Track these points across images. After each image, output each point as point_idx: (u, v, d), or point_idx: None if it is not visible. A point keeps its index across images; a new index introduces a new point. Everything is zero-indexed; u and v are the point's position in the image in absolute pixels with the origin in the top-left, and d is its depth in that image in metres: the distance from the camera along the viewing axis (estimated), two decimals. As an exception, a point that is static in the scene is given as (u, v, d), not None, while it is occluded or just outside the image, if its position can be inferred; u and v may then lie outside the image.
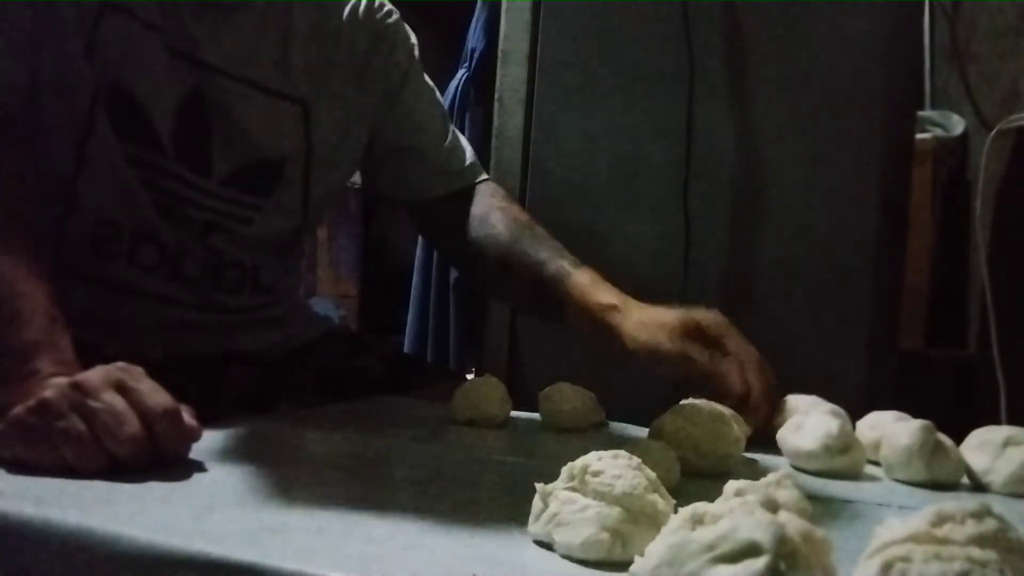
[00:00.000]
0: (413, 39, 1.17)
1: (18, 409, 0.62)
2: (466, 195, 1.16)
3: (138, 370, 0.65)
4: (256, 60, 1.00)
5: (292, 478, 0.67)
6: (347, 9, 1.09)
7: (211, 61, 0.96)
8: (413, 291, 1.98)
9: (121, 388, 0.62)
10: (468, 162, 1.19)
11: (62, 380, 0.64)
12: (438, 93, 1.21)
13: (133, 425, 0.61)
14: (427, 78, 1.19)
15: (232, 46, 0.98)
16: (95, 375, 0.63)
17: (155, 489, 0.59)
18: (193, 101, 0.96)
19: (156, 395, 0.64)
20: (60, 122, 0.91)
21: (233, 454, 0.74)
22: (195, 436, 0.65)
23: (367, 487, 0.66)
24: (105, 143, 0.92)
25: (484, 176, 1.21)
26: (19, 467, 0.60)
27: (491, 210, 1.13)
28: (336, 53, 1.06)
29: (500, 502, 0.63)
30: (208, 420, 0.85)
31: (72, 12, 0.89)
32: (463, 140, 1.21)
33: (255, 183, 1.02)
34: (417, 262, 1.99)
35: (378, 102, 1.11)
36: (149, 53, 0.93)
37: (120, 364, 0.65)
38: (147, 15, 0.92)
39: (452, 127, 1.20)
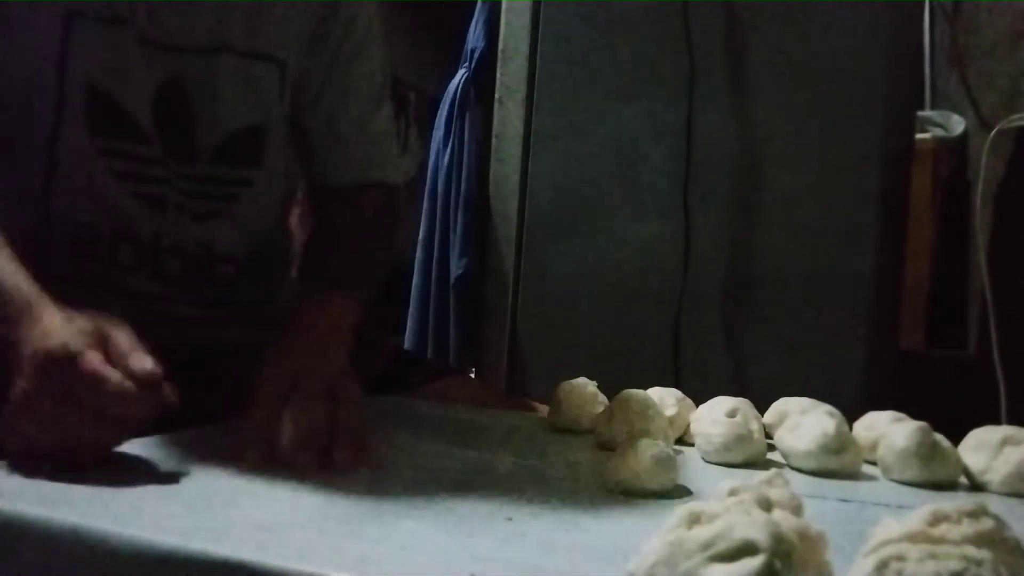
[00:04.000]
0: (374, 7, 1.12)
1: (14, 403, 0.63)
2: (357, 194, 1.09)
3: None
4: (227, 23, 0.97)
5: (291, 478, 0.67)
6: None
7: (182, 43, 0.95)
8: (413, 291, 1.98)
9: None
10: (378, 160, 1.11)
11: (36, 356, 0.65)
12: (384, 75, 1.12)
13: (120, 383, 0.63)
14: (380, 56, 1.11)
15: (201, 16, 0.96)
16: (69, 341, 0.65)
17: (155, 489, 0.59)
18: (169, 89, 0.95)
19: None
20: (24, 132, 0.91)
21: (232, 454, 0.74)
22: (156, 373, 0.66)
23: (366, 487, 0.66)
24: (75, 146, 0.91)
25: (387, 179, 1.12)
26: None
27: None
28: (308, 11, 1.04)
29: (499, 502, 0.63)
30: (206, 419, 0.85)
31: (40, 25, 0.88)
32: (387, 132, 1.13)
33: (241, 154, 1.01)
34: (417, 261, 1.99)
35: (326, 68, 1.07)
36: (120, 49, 0.92)
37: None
38: (113, 12, 0.91)
39: (385, 113, 1.12)
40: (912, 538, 0.40)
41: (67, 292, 0.93)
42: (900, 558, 0.39)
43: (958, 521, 0.41)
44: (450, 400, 1.11)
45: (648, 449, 0.69)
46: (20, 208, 0.92)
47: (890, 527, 0.42)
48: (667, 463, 0.69)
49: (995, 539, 0.40)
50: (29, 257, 0.91)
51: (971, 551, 0.38)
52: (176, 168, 0.96)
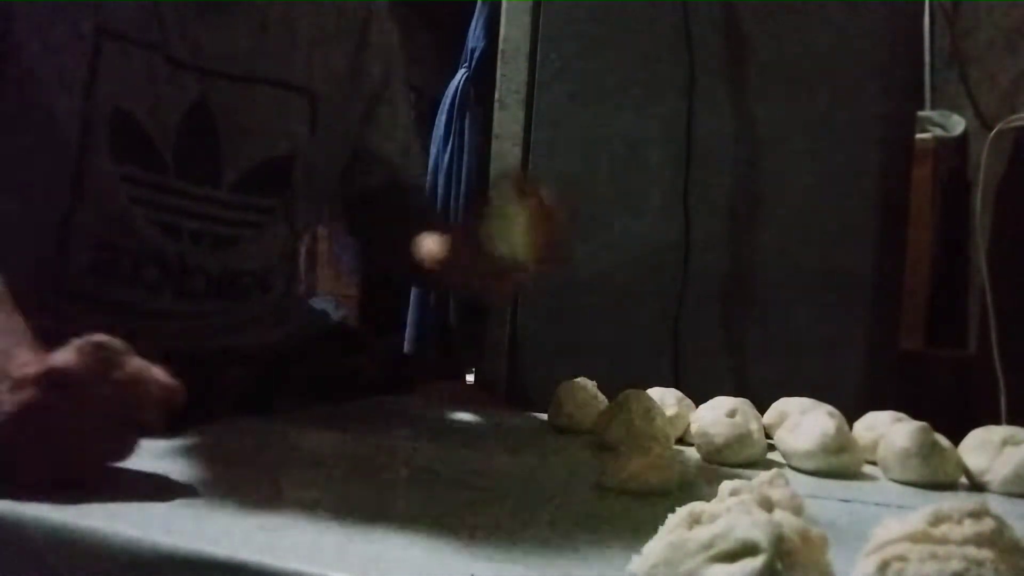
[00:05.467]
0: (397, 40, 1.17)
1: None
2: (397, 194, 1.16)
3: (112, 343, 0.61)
4: (261, 53, 0.99)
5: (291, 478, 0.67)
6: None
7: (214, 66, 0.95)
8: (413, 291, 1.99)
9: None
10: (414, 170, 1.21)
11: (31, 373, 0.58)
12: (409, 96, 1.21)
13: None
14: (405, 77, 1.19)
15: (236, 43, 0.97)
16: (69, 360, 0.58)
17: (155, 489, 0.59)
18: (197, 112, 0.95)
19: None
20: (51, 154, 0.91)
21: (232, 454, 0.74)
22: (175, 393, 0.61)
23: (367, 487, 0.66)
24: (100, 172, 0.91)
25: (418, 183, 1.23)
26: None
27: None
28: (338, 42, 1.06)
29: (499, 501, 0.63)
30: (207, 420, 0.85)
31: (70, 46, 0.88)
32: (415, 144, 1.22)
33: (265, 185, 1.01)
34: (417, 262, 1.99)
35: (366, 97, 1.11)
36: (149, 71, 0.91)
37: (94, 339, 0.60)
38: (145, 35, 0.91)
39: (413, 133, 1.20)
40: (914, 538, 0.40)
41: (88, 311, 0.93)
42: (902, 558, 0.39)
43: (959, 521, 0.41)
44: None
45: (648, 449, 0.69)
46: (43, 227, 0.92)
47: (891, 527, 0.42)
48: (667, 463, 0.69)
49: (996, 539, 0.40)
50: (50, 276, 0.91)
51: (972, 551, 0.38)
52: (197, 194, 0.96)
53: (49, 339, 0.69)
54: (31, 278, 0.83)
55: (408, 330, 1.97)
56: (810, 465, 0.79)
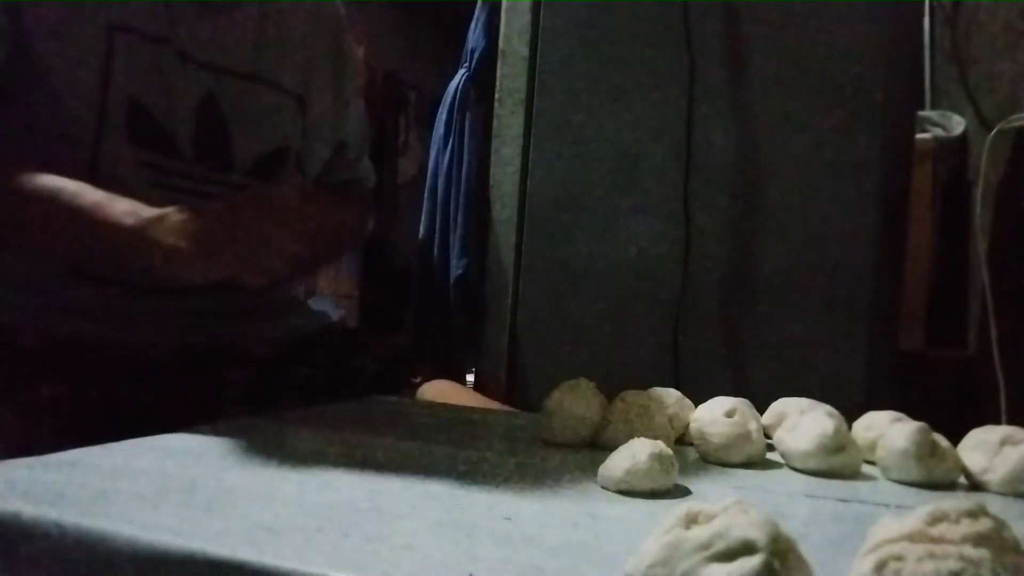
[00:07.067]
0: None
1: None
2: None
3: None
4: (260, 57, 1.07)
5: (290, 478, 0.67)
6: (331, 11, 1.19)
7: (220, 63, 1.02)
8: (413, 291, 1.99)
9: None
10: (356, 175, 1.28)
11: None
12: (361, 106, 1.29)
13: None
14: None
15: (237, 47, 1.04)
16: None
17: (155, 489, 0.59)
18: (209, 103, 1.02)
19: None
20: (67, 140, 0.94)
21: (232, 454, 0.74)
22: None
23: (365, 487, 0.66)
24: (118, 158, 0.95)
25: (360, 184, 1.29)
26: None
27: None
28: (321, 50, 1.16)
29: (498, 501, 0.63)
30: (208, 419, 0.85)
31: (83, 39, 0.92)
32: (365, 157, 1.30)
33: (271, 171, 1.09)
34: (417, 261, 1.99)
35: (336, 106, 1.20)
36: (161, 65, 0.97)
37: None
38: (155, 29, 0.97)
39: (365, 143, 1.30)
40: (911, 538, 0.40)
41: (99, 292, 0.95)
42: (898, 558, 0.39)
43: (957, 521, 0.41)
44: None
45: (647, 449, 0.69)
46: None
47: (889, 527, 0.42)
48: (667, 463, 0.69)
49: (994, 539, 0.40)
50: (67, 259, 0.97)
51: (969, 551, 0.38)
52: (210, 178, 1.02)
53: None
54: (43, 260, 0.96)
55: (408, 330, 1.98)
56: (809, 465, 0.79)
